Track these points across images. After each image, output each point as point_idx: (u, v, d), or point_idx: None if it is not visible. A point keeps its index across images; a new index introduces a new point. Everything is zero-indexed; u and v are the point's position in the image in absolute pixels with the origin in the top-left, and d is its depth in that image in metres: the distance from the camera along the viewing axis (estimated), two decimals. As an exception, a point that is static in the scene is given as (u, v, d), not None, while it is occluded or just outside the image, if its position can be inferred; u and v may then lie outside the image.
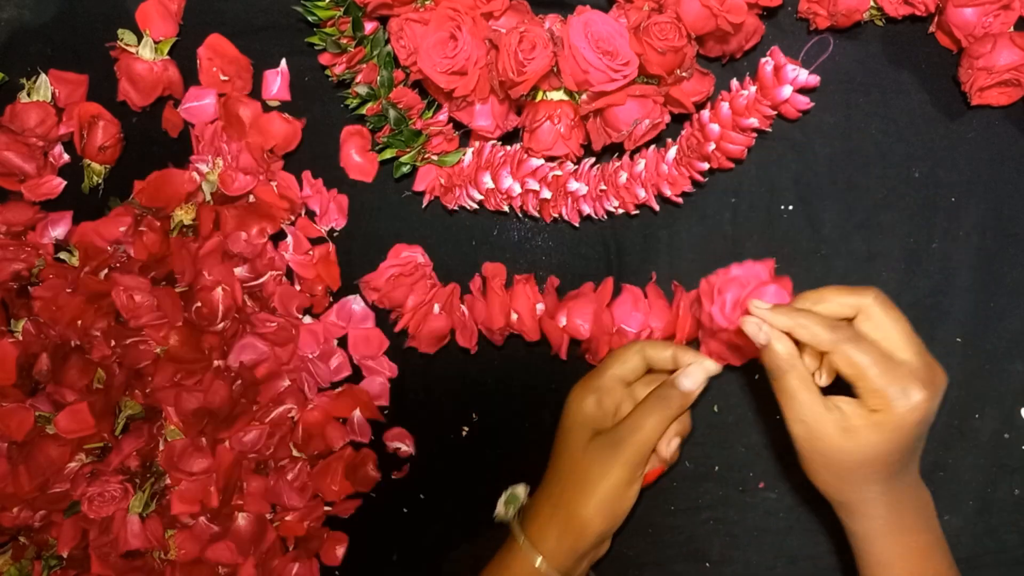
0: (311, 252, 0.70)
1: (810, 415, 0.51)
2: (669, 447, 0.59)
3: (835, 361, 0.51)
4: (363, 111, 0.64)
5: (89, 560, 0.66)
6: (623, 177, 0.64)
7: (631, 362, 0.58)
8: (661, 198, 0.66)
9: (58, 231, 0.68)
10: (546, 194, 0.64)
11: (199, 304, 0.66)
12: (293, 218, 0.69)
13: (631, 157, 0.65)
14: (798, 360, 0.52)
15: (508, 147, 0.65)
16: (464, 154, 0.66)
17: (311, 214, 0.70)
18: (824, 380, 0.54)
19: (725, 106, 0.61)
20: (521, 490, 0.65)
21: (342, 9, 0.60)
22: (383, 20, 0.63)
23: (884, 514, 0.53)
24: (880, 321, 0.52)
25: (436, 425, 0.70)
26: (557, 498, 0.58)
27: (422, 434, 0.71)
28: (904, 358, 0.51)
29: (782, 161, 0.66)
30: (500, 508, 0.65)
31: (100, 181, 0.69)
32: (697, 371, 0.56)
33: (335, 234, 0.70)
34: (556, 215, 0.66)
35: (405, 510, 0.72)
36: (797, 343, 0.52)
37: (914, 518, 0.54)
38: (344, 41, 0.62)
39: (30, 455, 0.64)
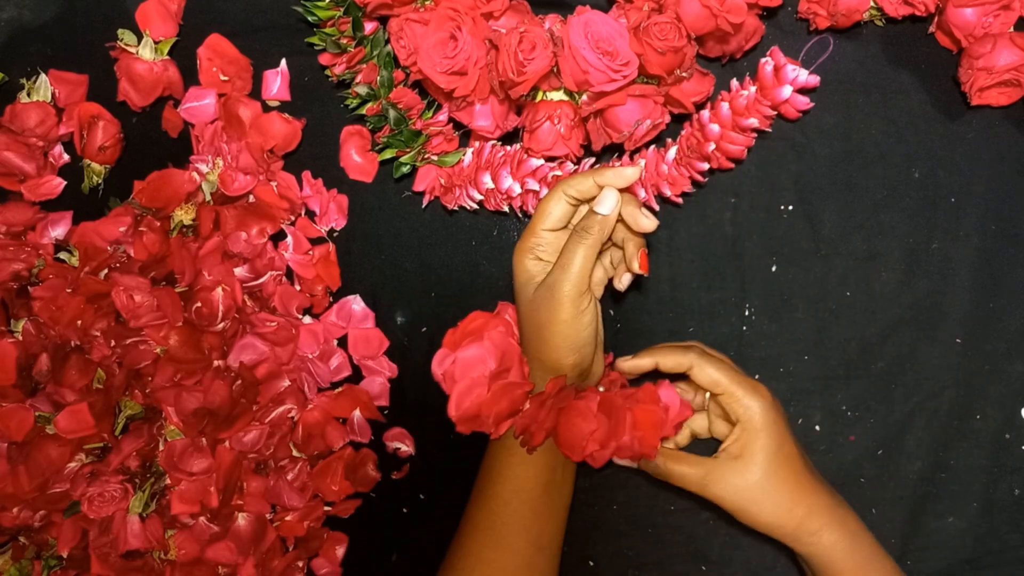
0: (311, 252, 0.70)
1: (707, 472, 0.58)
2: (633, 263, 0.58)
3: (695, 376, 0.59)
4: (363, 111, 0.64)
5: (89, 560, 0.66)
6: (623, 177, 0.64)
7: (556, 210, 0.58)
8: (661, 198, 0.66)
9: (58, 231, 0.68)
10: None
11: (199, 304, 0.66)
12: (293, 218, 0.69)
13: (631, 157, 0.65)
14: (663, 450, 0.60)
15: (508, 147, 0.65)
16: (464, 154, 0.66)
17: (311, 214, 0.70)
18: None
19: (725, 106, 0.61)
20: None
21: (342, 9, 0.60)
22: (383, 20, 0.63)
23: (832, 521, 0.58)
24: (710, 359, 0.61)
25: (436, 425, 0.70)
26: (527, 352, 0.60)
27: (422, 434, 0.71)
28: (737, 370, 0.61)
29: (782, 161, 0.66)
30: None
31: (100, 181, 0.69)
32: (608, 195, 0.56)
33: (335, 234, 0.70)
34: (556, 215, 0.66)
35: (405, 510, 0.72)
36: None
37: (856, 522, 0.60)
38: (344, 41, 0.62)
39: (30, 455, 0.64)
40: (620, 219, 0.57)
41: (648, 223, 0.55)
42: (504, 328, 0.62)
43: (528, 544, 0.59)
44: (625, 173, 0.56)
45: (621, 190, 0.56)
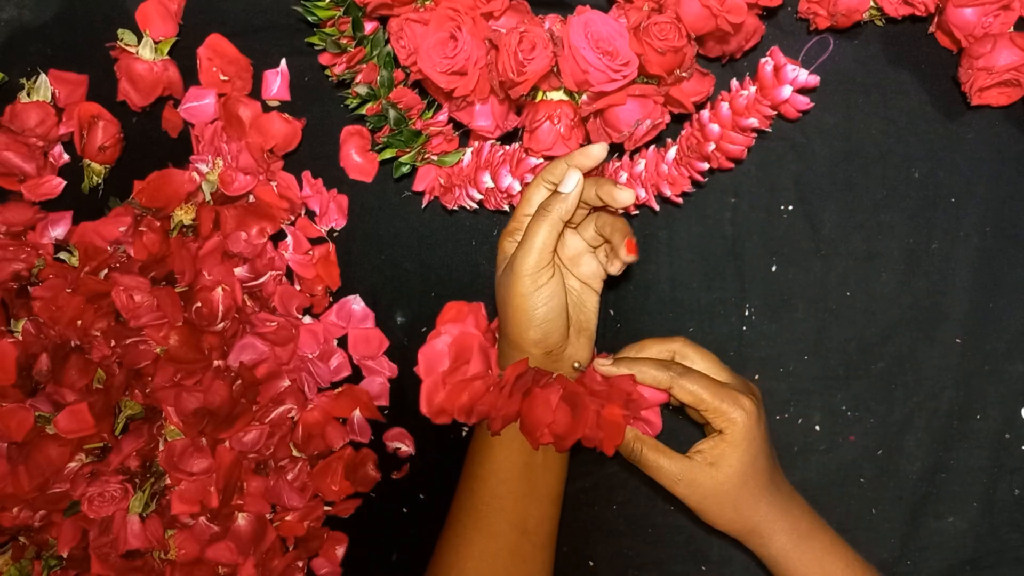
0: (311, 252, 0.70)
1: (680, 472, 0.59)
2: (621, 251, 0.59)
3: (675, 394, 0.59)
4: (363, 111, 0.64)
5: (89, 560, 0.66)
6: (623, 177, 0.64)
7: (535, 197, 0.59)
8: (661, 198, 0.66)
9: (58, 231, 0.68)
10: (546, 194, 0.64)
11: (199, 304, 0.66)
12: (293, 218, 0.69)
13: (631, 157, 0.65)
14: (641, 436, 0.61)
15: (508, 147, 0.65)
16: (464, 154, 0.66)
17: (311, 214, 0.70)
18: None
19: (725, 106, 0.61)
20: None
21: (342, 9, 0.60)
22: (383, 20, 0.63)
23: (785, 525, 0.60)
24: (694, 357, 0.62)
25: (436, 425, 0.70)
26: (500, 329, 0.62)
27: (422, 434, 0.71)
28: (723, 379, 0.61)
29: (782, 161, 0.66)
30: None
31: (100, 181, 0.69)
32: (569, 175, 0.57)
33: (335, 234, 0.70)
34: (556, 215, 0.66)
35: (405, 510, 0.72)
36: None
37: (808, 522, 0.61)
38: (344, 41, 0.62)
39: (30, 455, 0.64)
40: (604, 206, 0.58)
41: (624, 196, 0.56)
42: (472, 318, 0.62)
43: (510, 527, 0.59)
44: (592, 151, 0.57)
45: (594, 172, 0.58)
